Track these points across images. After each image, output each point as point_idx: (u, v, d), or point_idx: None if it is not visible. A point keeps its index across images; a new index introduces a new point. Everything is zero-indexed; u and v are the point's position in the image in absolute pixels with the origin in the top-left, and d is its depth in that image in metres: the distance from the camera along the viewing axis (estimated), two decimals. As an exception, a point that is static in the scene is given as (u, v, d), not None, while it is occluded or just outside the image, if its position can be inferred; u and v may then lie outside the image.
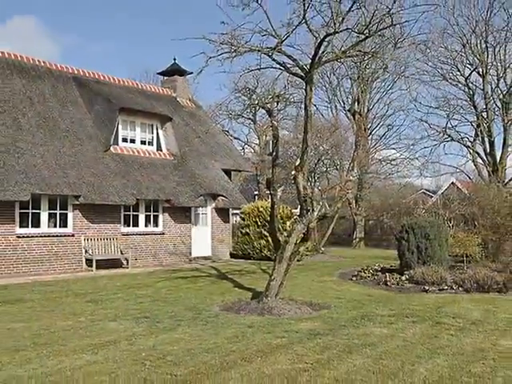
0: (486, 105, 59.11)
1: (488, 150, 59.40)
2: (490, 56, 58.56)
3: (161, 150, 38.92)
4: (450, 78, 60.35)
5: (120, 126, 36.75)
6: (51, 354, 13.49)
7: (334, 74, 63.24)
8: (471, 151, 60.75)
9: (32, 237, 30.33)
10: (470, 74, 59.66)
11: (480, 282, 24.30)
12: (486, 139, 59.69)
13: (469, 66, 59.69)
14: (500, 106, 58.86)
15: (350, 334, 15.89)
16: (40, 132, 32.49)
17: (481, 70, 58.85)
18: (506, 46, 57.98)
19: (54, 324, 17.12)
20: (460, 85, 60.28)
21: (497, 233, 33.57)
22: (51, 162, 31.31)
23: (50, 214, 31.31)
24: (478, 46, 58.47)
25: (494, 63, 58.70)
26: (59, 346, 14.30)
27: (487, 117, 59.14)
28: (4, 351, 13.76)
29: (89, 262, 32.26)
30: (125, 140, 37.09)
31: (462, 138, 61.03)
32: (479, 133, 59.95)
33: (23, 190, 28.85)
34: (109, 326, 16.96)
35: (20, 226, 29.97)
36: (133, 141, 37.53)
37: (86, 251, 32.28)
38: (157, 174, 36.61)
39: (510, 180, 55.77)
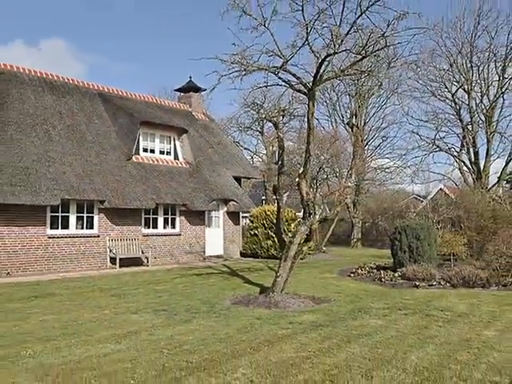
0: (471, 118, 59.20)
1: (473, 159, 59.48)
2: (474, 74, 58.71)
3: (178, 159, 38.98)
4: (439, 95, 60.49)
5: (141, 138, 36.87)
6: (79, 344, 13.53)
7: (334, 91, 63.29)
8: (457, 160, 60.83)
9: (61, 237, 30.40)
10: (456, 91, 59.76)
11: (465, 278, 24.28)
12: (471, 149, 59.78)
13: (455, 84, 59.82)
14: (483, 120, 58.93)
15: (349, 325, 15.90)
16: (69, 143, 32.59)
17: (466, 87, 58.91)
18: (488, 65, 58.24)
19: (81, 316, 17.15)
20: (447, 100, 60.40)
21: (480, 234, 33.57)
22: (79, 170, 31.41)
23: (77, 216, 31.40)
24: (464, 65, 58.60)
25: (478, 81, 58.81)
26: (86, 336, 14.33)
27: (472, 129, 59.23)
28: (37, 341, 13.78)
29: (113, 260, 32.36)
30: (145, 150, 37.19)
31: (449, 149, 61.16)
32: (465, 144, 60.04)
33: (54, 196, 28.94)
34: (131, 318, 16.98)
35: (51, 228, 30.05)
36: (152, 151, 37.62)
37: (110, 250, 32.35)
38: (174, 180, 36.69)
39: (492, 186, 55.70)
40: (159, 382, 10.62)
